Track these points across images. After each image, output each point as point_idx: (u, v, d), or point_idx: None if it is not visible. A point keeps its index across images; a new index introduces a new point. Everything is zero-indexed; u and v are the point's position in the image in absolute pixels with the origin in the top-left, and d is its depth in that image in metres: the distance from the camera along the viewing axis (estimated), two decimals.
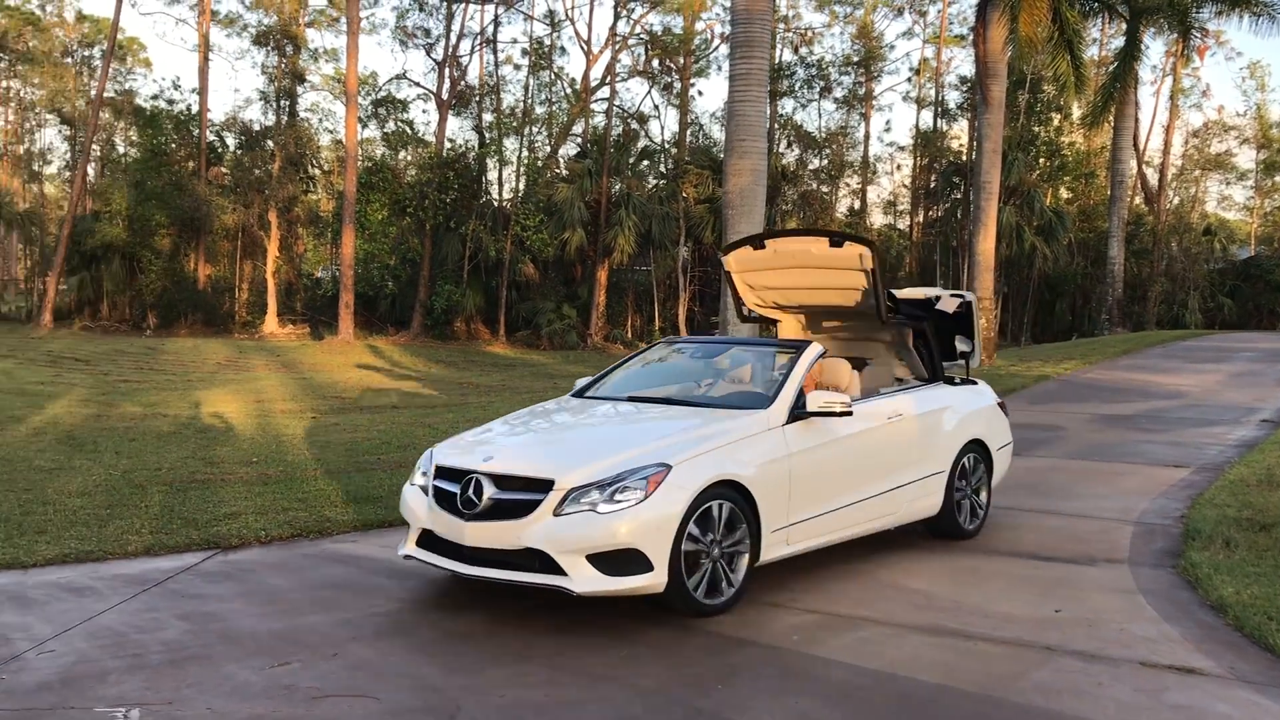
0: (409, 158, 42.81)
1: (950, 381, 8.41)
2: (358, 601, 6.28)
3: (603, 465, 5.86)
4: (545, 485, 5.76)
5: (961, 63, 51.31)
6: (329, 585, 6.63)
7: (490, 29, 43.37)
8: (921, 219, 49.63)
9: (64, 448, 12.13)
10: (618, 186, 39.89)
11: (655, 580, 5.68)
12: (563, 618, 5.96)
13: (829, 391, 6.87)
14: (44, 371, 23.61)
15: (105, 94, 43.88)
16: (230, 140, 43.66)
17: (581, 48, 50.31)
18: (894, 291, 8.31)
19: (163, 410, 16.30)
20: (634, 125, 43.49)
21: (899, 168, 53.72)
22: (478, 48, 44.26)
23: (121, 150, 50.13)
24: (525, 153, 42.74)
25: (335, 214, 41.10)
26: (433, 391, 21.23)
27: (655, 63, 43.98)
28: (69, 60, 54.07)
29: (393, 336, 38.18)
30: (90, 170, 45.34)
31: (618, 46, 43.50)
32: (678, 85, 44.63)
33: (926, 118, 50.30)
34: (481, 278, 39.57)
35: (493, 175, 42.95)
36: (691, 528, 5.84)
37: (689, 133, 45.94)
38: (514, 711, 4.69)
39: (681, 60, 43.91)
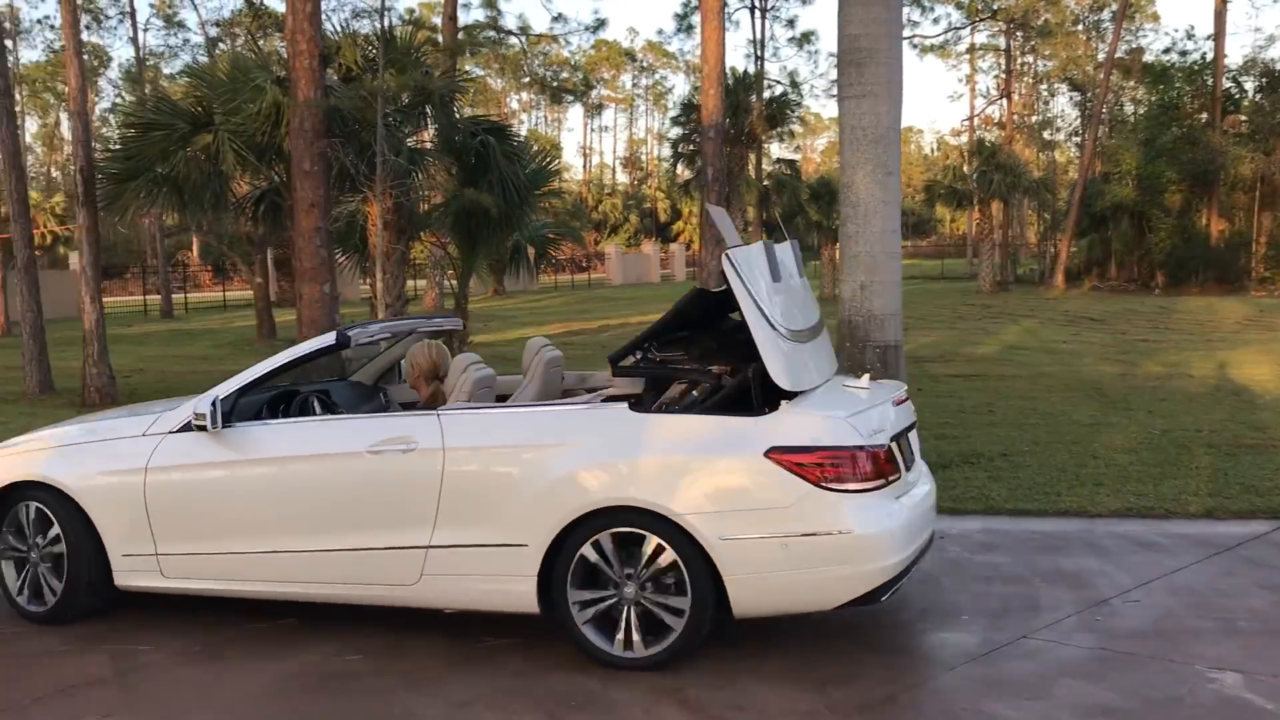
0: None
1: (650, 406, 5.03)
2: None
3: None
4: None
5: None
6: None
7: None
8: None
9: (1094, 403, 12.55)
10: None
11: None
12: None
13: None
14: (1063, 330, 24.78)
15: (1115, 55, 44.34)
16: (1248, 85, 40.94)
17: None
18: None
19: (1186, 370, 15.93)
20: None
21: None
22: None
23: (1130, 110, 50.31)
24: None
25: None
26: None
27: None
28: (1078, 28, 55.82)
29: None
30: (1100, 133, 46.27)
31: None
32: None
33: None
34: None
35: None
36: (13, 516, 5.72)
37: None
38: None
39: None
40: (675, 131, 36.59)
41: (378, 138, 13.44)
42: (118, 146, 16.62)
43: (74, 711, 4.48)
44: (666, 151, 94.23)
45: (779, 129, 35.75)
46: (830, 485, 4.59)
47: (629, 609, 4.75)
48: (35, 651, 5.23)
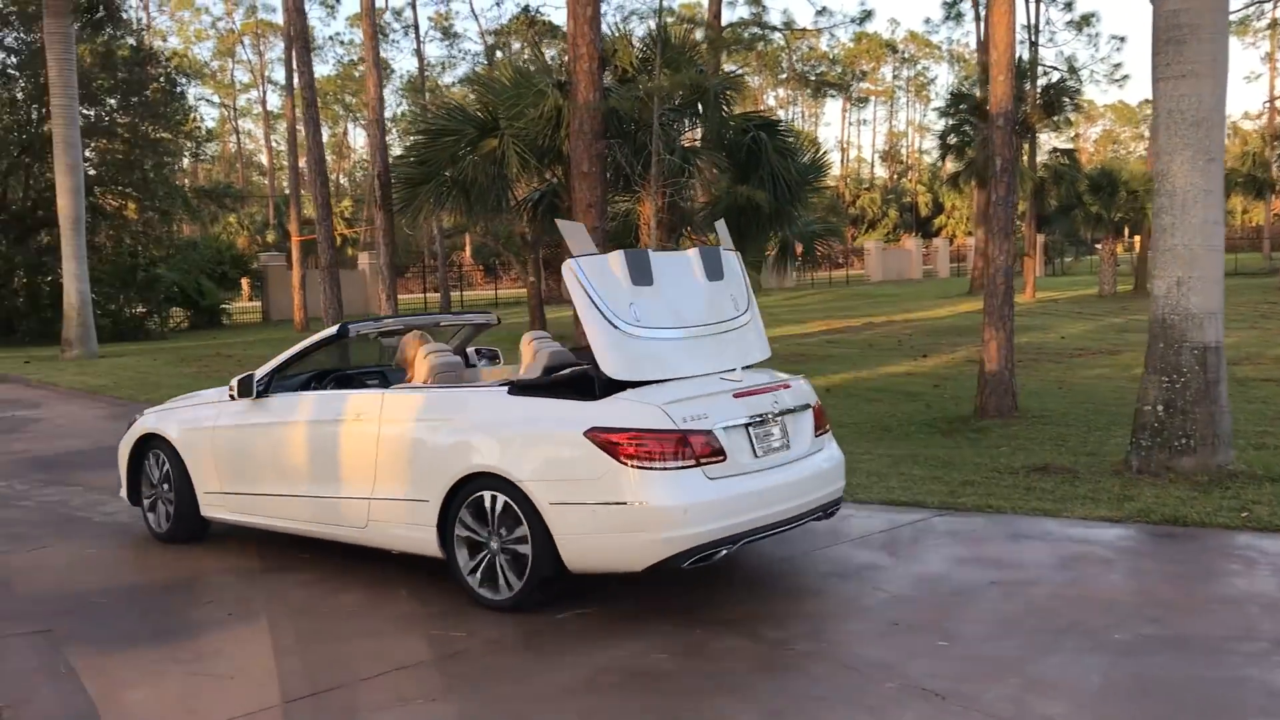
0: None
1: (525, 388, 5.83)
2: None
3: None
4: None
5: None
6: None
7: None
8: None
9: None
10: None
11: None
12: None
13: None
14: None
15: None
16: None
17: None
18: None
19: None
20: None
21: None
22: None
23: None
24: None
25: None
26: None
27: None
28: None
29: None
30: None
31: None
32: None
33: None
34: None
35: None
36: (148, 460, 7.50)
37: None
38: None
39: None
40: (943, 123, 35.33)
41: (653, 137, 13.59)
42: (404, 154, 17.60)
43: (401, 693, 4.66)
44: (928, 144, 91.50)
45: (1056, 117, 33.91)
46: (632, 462, 5.24)
47: (490, 557, 5.66)
48: (357, 633, 5.50)
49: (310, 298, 32.30)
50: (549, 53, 33.64)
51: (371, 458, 6.15)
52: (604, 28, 14.45)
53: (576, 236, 5.80)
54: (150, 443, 7.47)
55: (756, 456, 5.59)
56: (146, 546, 7.35)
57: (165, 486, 7.32)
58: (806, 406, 6.09)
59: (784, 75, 71.28)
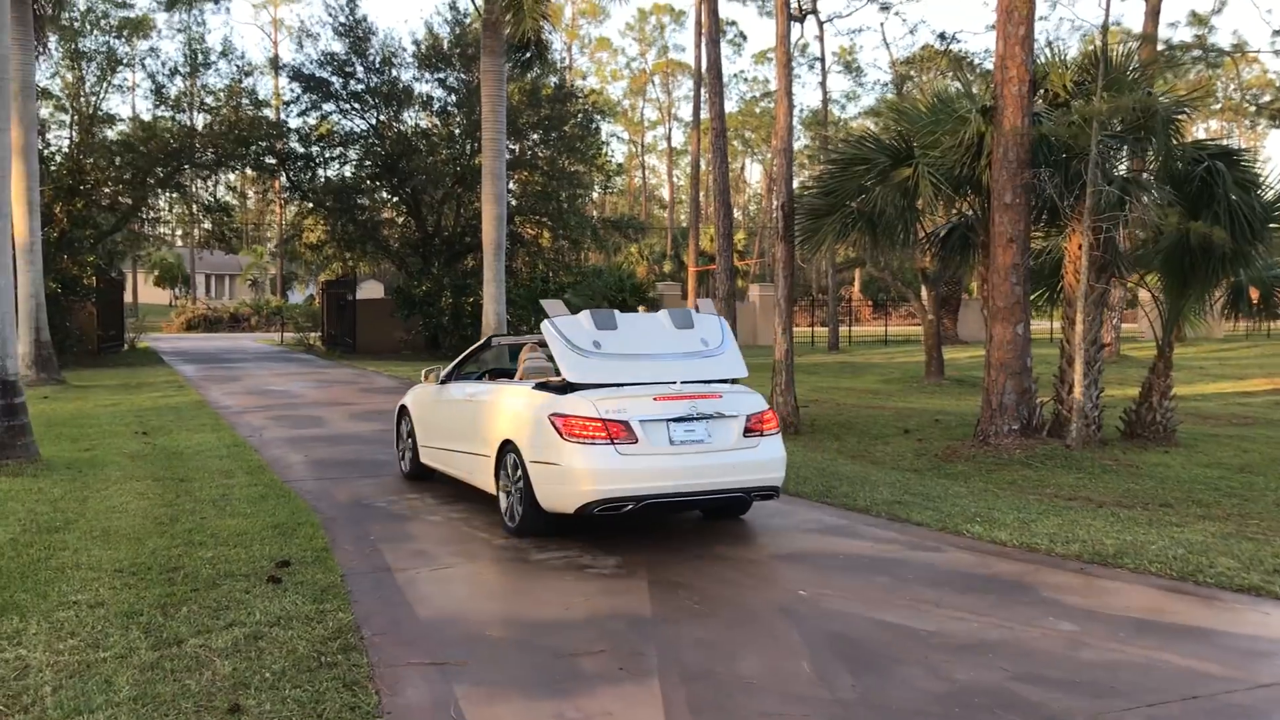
0: None
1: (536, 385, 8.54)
2: None
3: None
4: None
5: None
6: None
7: None
8: None
9: None
10: None
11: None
12: None
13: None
14: None
15: None
16: None
17: None
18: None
19: None
20: None
21: None
22: None
23: None
24: None
25: None
26: None
27: None
28: None
29: None
30: None
31: None
32: None
33: None
34: None
35: None
36: (402, 421, 11.17)
37: None
38: None
39: None
40: None
41: (1089, 166, 12.19)
42: (808, 184, 17.09)
43: None
44: None
45: None
46: (568, 437, 7.60)
47: (511, 497, 8.28)
48: (756, 714, 4.87)
49: None
50: (958, 82, 32.13)
51: (472, 425, 9.11)
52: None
53: (554, 308, 8.41)
54: (404, 410, 11.03)
55: (672, 444, 7.66)
56: (539, 577, 7.18)
57: (409, 439, 10.78)
58: (733, 414, 7.92)
59: (1217, 105, 64.65)
